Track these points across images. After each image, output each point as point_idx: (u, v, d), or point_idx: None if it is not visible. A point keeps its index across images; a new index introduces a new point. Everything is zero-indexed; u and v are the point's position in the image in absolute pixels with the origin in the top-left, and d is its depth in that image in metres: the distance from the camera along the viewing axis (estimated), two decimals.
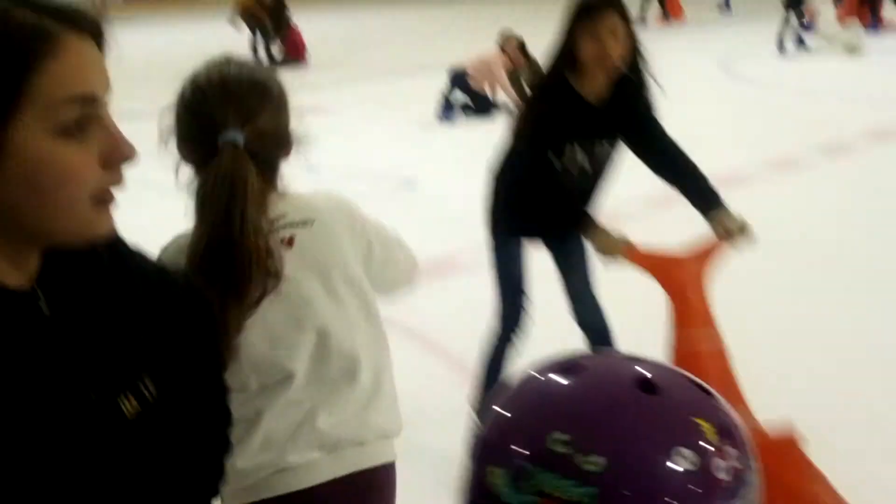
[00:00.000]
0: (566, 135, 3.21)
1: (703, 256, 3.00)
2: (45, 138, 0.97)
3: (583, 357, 0.93)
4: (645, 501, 0.81)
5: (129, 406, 1.10)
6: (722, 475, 0.84)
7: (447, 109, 10.60)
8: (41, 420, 0.99)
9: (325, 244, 1.88)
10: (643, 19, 18.10)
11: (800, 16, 14.05)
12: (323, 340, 1.86)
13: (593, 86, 3.19)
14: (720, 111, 10.26)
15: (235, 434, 1.35)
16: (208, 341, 1.31)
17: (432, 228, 6.78)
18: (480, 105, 10.70)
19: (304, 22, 16.30)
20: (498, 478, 0.84)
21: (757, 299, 5.04)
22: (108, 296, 1.14)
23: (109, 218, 1.06)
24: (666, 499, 0.81)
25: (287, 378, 1.85)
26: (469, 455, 0.90)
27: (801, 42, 13.88)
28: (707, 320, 2.91)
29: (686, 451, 0.82)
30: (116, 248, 1.17)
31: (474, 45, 11.32)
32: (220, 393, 1.33)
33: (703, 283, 2.96)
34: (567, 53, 3.15)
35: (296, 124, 1.86)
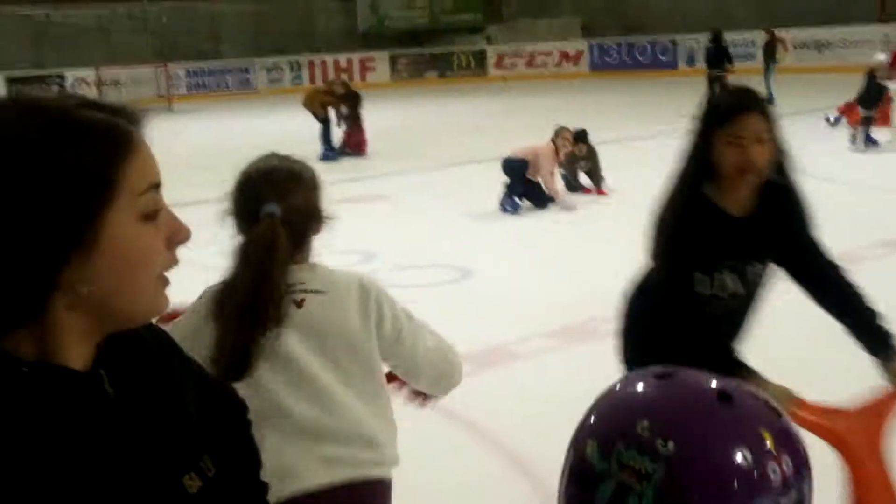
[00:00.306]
0: (712, 257, 2.79)
1: (879, 412, 2.55)
2: (131, 223, 1.06)
3: (676, 368, 1.12)
4: (700, 482, 0.99)
5: (191, 483, 1.14)
6: (771, 475, 1.01)
7: (510, 200, 10.60)
8: (114, 499, 1.03)
9: (329, 312, 2.25)
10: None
11: (868, 118, 13.95)
12: (314, 386, 2.23)
13: (736, 198, 2.78)
14: None
15: None
16: (245, 434, 1.35)
17: (487, 318, 6.78)
18: (535, 196, 10.74)
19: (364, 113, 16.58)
20: (591, 448, 1.06)
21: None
22: (160, 376, 1.19)
23: (167, 297, 1.14)
24: (718, 484, 0.99)
25: (284, 410, 2.21)
26: (575, 431, 1.10)
27: (868, 138, 13.79)
28: (888, 493, 2.47)
29: (744, 451, 1.00)
30: (155, 332, 1.23)
31: (528, 136, 11.43)
32: (260, 488, 1.36)
33: (882, 445, 2.50)
34: (703, 163, 2.75)
35: (326, 205, 2.31)
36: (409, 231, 9.80)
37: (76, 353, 1.07)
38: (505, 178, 10.63)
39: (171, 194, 1.12)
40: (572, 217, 10.30)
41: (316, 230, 2.30)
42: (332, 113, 15.97)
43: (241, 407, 1.39)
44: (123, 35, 31.57)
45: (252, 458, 1.36)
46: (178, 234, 1.12)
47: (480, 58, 33.25)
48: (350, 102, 16.09)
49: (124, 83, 27.96)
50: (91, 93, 27.09)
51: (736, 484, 1.00)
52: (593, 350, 6.20)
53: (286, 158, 2.32)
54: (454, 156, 15.11)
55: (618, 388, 1.12)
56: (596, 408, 1.11)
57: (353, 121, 16.06)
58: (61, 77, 28.45)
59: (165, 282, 1.12)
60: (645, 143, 15.34)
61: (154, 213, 1.08)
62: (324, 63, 31.78)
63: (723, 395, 1.05)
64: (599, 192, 11.18)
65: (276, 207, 2.18)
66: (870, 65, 14.85)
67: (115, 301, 1.07)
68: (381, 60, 33.16)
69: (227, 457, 1.24)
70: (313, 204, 2.29)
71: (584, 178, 11.43)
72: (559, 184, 11.01)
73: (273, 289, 2.15)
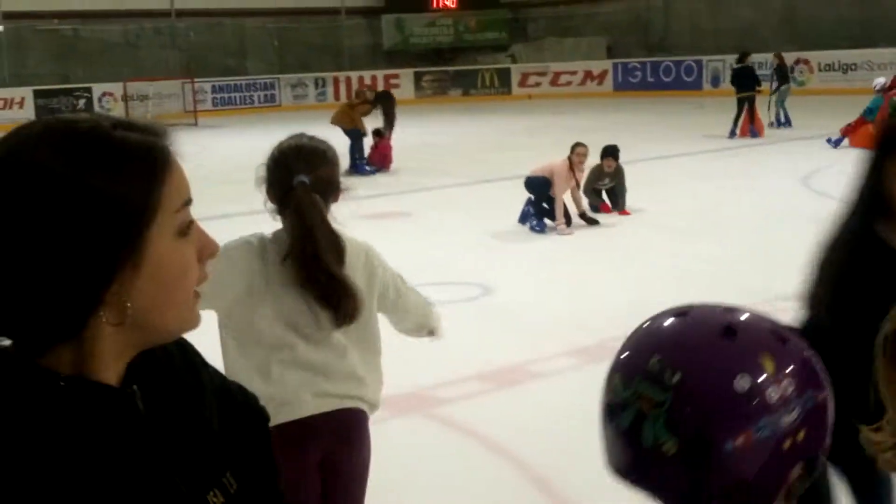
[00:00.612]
0: (887, 310, 2.34)
1: None
2: (170, 239, 1.09)
3: (693, 306, 1.28)
4: (704, 406, 1.15)
5: (215, 500, 1.17)
6: (770, 397, 1.15)
7: (537, 220, 10.50)
8: None
9: None
10: (734, 132, 18.32)
11: None
12: (320, 331, 2.70)
13: None
14: (798, 227, 10.14)
15: (254, 380, 1.58)
16: (265, 444, 1.36)
17: (507, 335, 6.78)
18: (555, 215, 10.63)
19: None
20: (617, 381, 1.23)
21: None
22: (187, 392, 1.21)
23: (199, 313, 1.16)
24: (719, 408, 1.15)
25: (291, 345, 2.69)
26: (609, 368, 1.26)
27: None
28: None
29: (743, 378, 1.15)
30: (182, 346, 1.25)
31: (551, 155, 11.38)
32: (278, 499, 1.37)
33: None
34: (876, 197, 2.40)
35: (342, 179, 2.80)
36: (430, 247, 9.81)
37: (111, 368, 1.09)
38: (528, 196, 10.58)
39: (197, 208, 1.15)
40: (594, 236, 10.29)
41: (335, 199, 2.76)
42: (365, 125, 15.90)
43: (262, 416, 1.40)
44: (150, 50, 31.85)
45: (271, 468, 1.37)
46: (207, 249, 1.15)
47: (505, 76, 33.31)
48: (386, 104, 16.06)
49: (151, 98, 28.15)
50: (117, 107, 27.34)
51: (736, 407, 1.15)
52: None
53: (313, 138, 2.81)
54: (477, 173, 15.14)
55: (643, 326, 1.28)
56: (624, 346, 1.28)
57: (389, 124, 15.96)
58: (88, 91, 28.69)
59: (198, 297, 1.15)
60: (668, 164, 15.32)
61: (187, 229, 1.11)
62: (348, 79, 31.91)
63: (728, 330, 1.20)
64: (622, 212, 11.14)
65: (306, 178, 2.65)
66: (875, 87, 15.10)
67: (154, 317, 1.09)
68: (405, 77, 33.28)
69: (247, 470, 1.25)
70: (334, 176, 2.77)
71: (604, 196, 11.37)
72: (584, 201, 10.90)
73: (329, 231, 2.68)
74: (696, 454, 1.15)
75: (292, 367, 2.69)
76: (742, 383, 1.15)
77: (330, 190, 2.73)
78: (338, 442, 2.78)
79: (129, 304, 1.06)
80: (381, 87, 31.62)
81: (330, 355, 2.73)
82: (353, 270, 2.72)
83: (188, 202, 1.12)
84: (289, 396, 2.67)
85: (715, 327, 1.20)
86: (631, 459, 1.20)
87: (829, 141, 15.95)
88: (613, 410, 1.22)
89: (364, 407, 2.82)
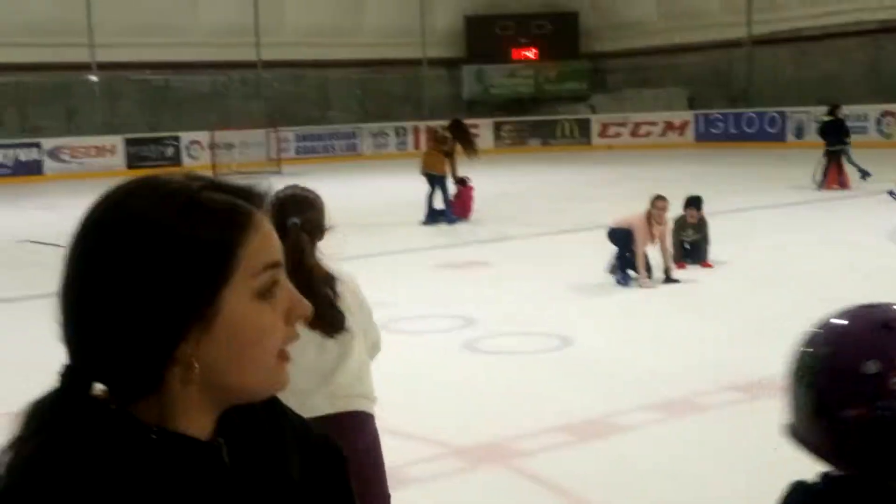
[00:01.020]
0: None
1: None
2: (247, 301, 1.09)
3: (876, 305, 1.52)
4: (832, 377, 1.42)
5: None
6: (891, 385, 1.38)
7: (622, 273, 10.25)
8: None
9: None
10: (821, 184, 18.00)
11: None
12: (329, 342, 3.21)
13: None
14: (886, 281, 9.87)
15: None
16: (343, 487, 1.35)
17: (588, 388, 6.68)
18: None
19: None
20: (799, 346, 1.52)
21: None
22: (270, 444, 1.21)
23: (287, 372, 1.15)
24: (847, 382, 1.40)
25: (300, 355, 3.05)
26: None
27: None
28: None
29: (874, 361, 1.39)
30: (268, 400, 1.24)
31: (631, 206, 11.23)
32: None
33: None
34: None
35: (327, 220, 3.27)
36: (509, 298, 9.75)
37: (197, 422, 1.11)
38: (612, 248, 10.34)
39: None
40: (677, 288, 10.13)
41: (320, 238, 3.23)
42: (447, 170, 15.82)
43: (339, 456, 1.40)
44: (237, 100, 32.60)
45: None
46: (296, 310, 1.14)
47: (584, 126, 33.28)
48: (459, 132, 16.08)
49: (236, 146, 28.73)
50: (204, 155, 27.96)
51: (856, 385, 1.39)
52: (696, 423, 6.04)
53: (304, 189, 3.33)
54: (556, 223, 15.09)
55: (821, 323, 1.55)
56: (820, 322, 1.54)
57: (471, 147, 15.93)
58: (176, 140, 29.43)
59: (285, 357, 1.14)
60: (752, 216, 15.08)
61: (270, 291, 1.11)
62: (429, 129, 32.22)
63: (887, 324, 1.43)
64: (704, 263, 10.92)
65: (297, 220, 3.13)
66: None
67: (229, 378, 1.10)
68: (484, 127, 33.39)
69: None
70: (321, 220, 3.25)
71: (686, 245, 11.11)
72: (671, 257, 10.60)
73: (314, 266, 3.17)
74: (821, 418, 1.41)
75: (306, 371, 3.10)
76: (868, 368, 1.38)
77: (316, 230, 3.22)
78: (342, 438, 3.10)
79: (196, 365, 1.06)
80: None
81: (336, 358, 3.20)
82: (347, 293, 3.25)
83: (273, 265, 1.12)
84: (301, 405, 2.98)
85: (879, 320, 1.45)
86: (789, 414, 1.51)
87: (891, 193, 15.60)
88: (791, 370, 1.51)
89: (368, 408, 3.27)
